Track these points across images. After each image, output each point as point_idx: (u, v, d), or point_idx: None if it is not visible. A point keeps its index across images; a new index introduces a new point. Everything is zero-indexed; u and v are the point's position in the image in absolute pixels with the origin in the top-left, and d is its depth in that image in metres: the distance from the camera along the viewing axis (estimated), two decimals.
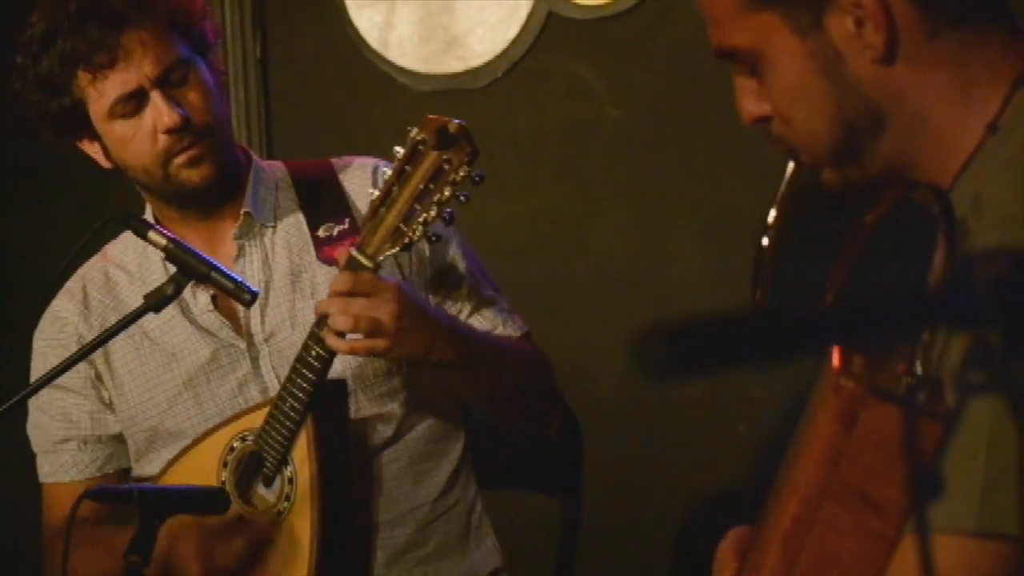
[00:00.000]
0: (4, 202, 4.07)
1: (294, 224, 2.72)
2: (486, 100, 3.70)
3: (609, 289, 3.63)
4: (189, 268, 2.44)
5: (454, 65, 3.72)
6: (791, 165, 1.71)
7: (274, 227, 2.72)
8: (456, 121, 2.37)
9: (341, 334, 2.43)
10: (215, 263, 2.46)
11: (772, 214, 1.71)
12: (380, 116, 3.79)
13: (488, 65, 3.70)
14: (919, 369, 1.36)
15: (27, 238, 4.01)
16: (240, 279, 2.45)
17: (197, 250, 2.50)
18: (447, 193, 2.37)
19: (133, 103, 2.59)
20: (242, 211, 2.69)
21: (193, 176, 2.61)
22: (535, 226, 3.66)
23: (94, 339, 2.50)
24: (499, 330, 2.71)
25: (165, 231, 2.48)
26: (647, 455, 3.60)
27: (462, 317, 2.69)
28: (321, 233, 2.69)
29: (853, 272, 1.56)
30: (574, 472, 2.92)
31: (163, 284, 2.44)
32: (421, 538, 2.71)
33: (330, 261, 2.64)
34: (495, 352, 2.64)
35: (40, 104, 2.64)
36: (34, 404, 2.71)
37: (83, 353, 2.49)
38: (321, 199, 2.73)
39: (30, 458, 2.80)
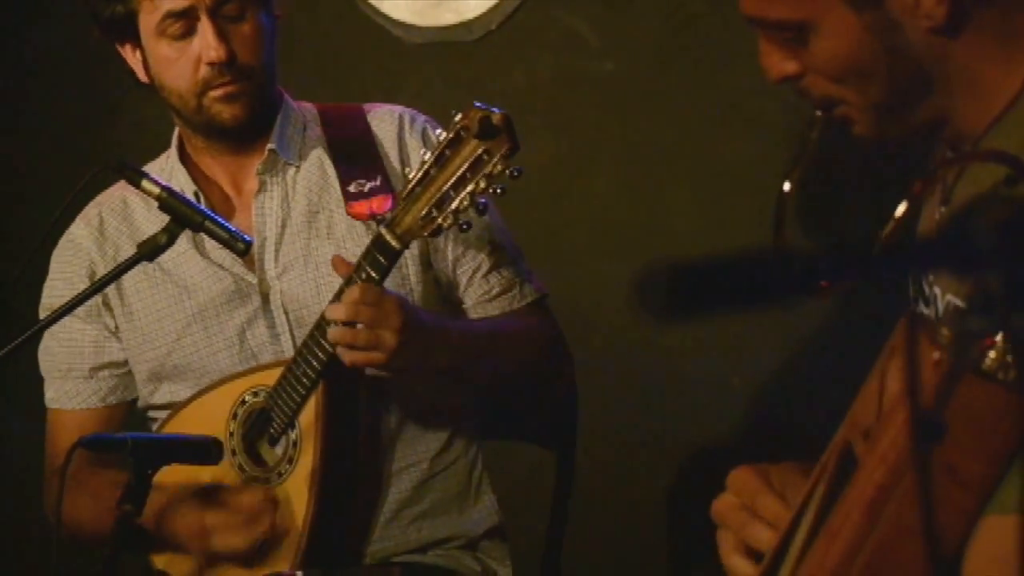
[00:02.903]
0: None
1: (317, 165, 2.73)
2: (480, 53, 3.69)
3: (602, 242, 3.63)
4: (183, 217, 2.45)
5: (448, 17, 3.71)
6: (817, 113, 1.74)
7: (297, 166, 2.73)
8: (500, 112, 2.36)
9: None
10: (208, 212, 2.50)
11: (795, 166, 1.73)
12: (373, 68, 3.78)
13: (482, 18, 3.68)
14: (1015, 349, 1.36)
15: (22, 187, 3.99)
16: (234, 229, 2.46)
17: (190, 198, 2.54)
18: (482, 185, 2.37)
19: (183, 23, 2.59)
20: (267, 147, 2.70)
21: (224, 112, 2.63)
22: (529, 179, 3.63)
23: (96, 281, 2.53)
24: (515, 291, 2.72)
25: (159, 180, 2.49)
26: (641, 409, 3.60)
27: (480, 273, 2.71)
28: (352, 189, 2.69)
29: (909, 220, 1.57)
30: (570, 427, 2.91)
31: (157, 233, 2.47)
32: (417, 495, 2.70)
33: (359, 216, 2.66)
34: (490, 346, 2.65)
35: (95, 5, 2.66)
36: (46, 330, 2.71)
37: (91, 291, 2.51)
38: (351, 146, 2.73)
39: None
